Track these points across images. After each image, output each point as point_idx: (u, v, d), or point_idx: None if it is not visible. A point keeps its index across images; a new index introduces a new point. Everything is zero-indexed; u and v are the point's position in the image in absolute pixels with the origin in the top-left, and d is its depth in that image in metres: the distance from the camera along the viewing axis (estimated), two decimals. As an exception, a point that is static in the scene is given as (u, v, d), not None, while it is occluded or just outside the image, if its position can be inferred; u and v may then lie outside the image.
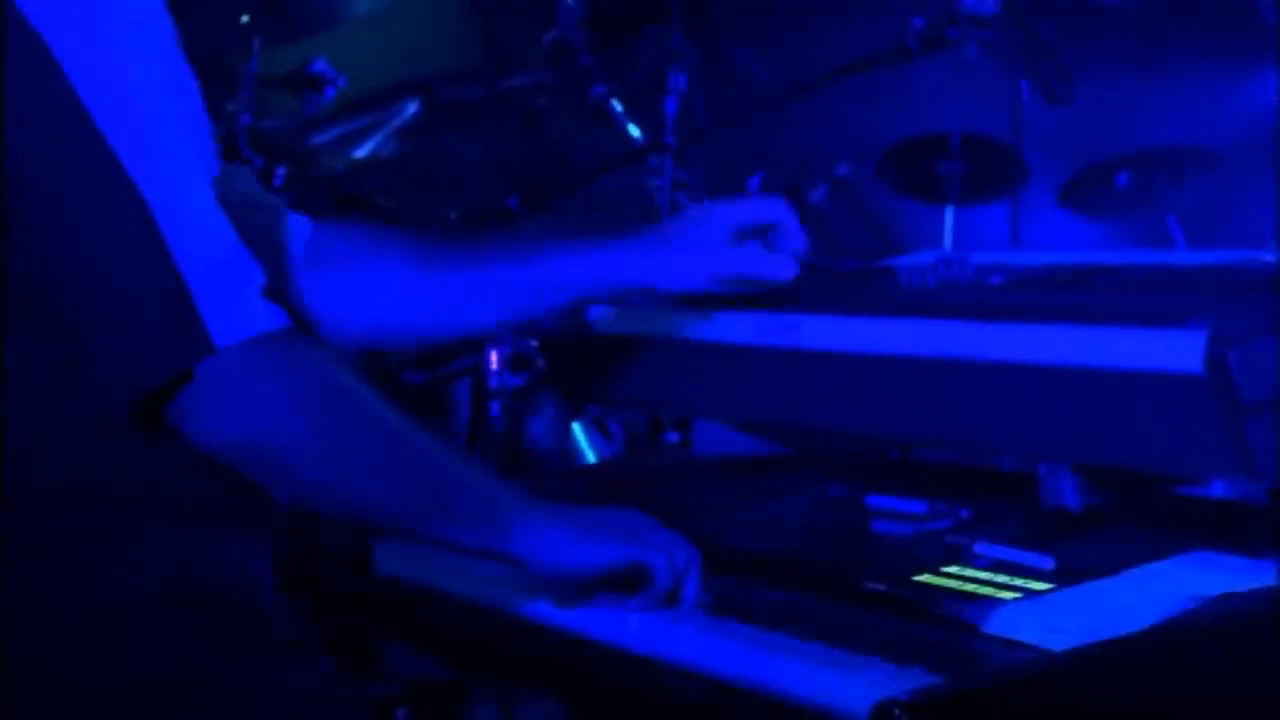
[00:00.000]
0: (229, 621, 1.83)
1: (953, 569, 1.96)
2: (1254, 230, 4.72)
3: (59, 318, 1.72)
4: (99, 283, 1.72)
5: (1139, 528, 2.02)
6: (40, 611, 1.76)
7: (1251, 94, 5.55)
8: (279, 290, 1.78)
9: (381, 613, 2.34)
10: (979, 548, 2.02)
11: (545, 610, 1.99)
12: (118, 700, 1.77)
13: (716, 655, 1.83)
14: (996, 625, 1.79)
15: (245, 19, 3.86)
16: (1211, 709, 1.72)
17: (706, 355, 2.40)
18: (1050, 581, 1.89)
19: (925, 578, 1.95)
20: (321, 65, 4.38)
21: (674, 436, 3.39)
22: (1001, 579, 1.91)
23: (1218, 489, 2.02)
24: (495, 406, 3.40)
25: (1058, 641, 1.72)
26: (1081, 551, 1.95)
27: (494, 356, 3.40)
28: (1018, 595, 1.85)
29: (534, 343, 3.34)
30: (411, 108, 4.10)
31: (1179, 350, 1.79)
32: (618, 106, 3.98)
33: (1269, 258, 2.05)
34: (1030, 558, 1.95)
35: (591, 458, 3.63)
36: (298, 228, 2.27)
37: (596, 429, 3.53)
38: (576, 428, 3.51)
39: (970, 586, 1.90)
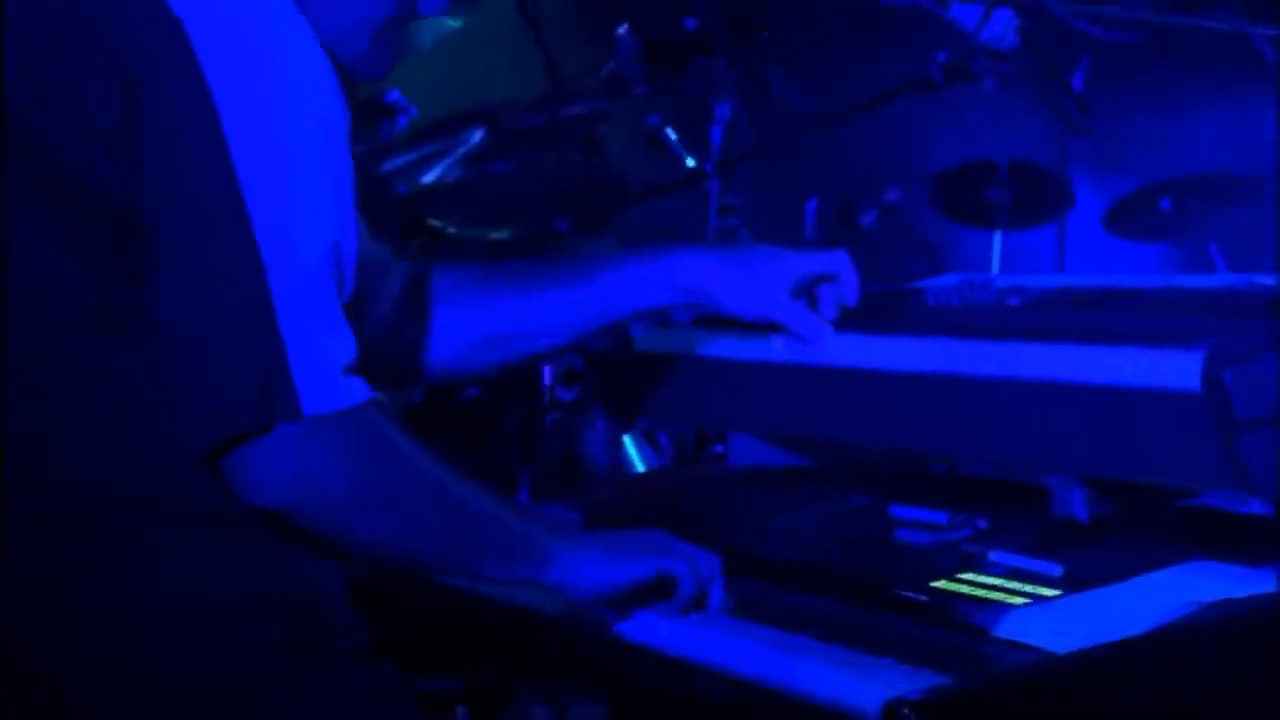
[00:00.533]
0: (301, 628, 1.86)
1: (968, 576, 1.98)
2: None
3: (159, 343, 1.75)
4: (202, 328, 1.74)
5: (1145, 538, 2.02)
6: (133, 615, 1.80)
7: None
8: (379, 337, 1.83)
9: (439, 617, 2.36)
10: (993, 556, 2.03)
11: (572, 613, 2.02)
12: (198, 700, 1.80)
13: (741, 656, 1.86)
14: (1006, 629, 1.81)
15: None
16: (1208, 709, 1.73)
17: (740, 372, 2.42)
18: (1058, 588, 1.90)
19: (942, 584, 1.96)
20: (395, 95, 4.43)
21: (720, 449, 3.41)
22: (1013, 585, 1.93)
23: (1224, 501, 2.03)
24: (549, 420, 3.44)
25: (1063, 645, 1.73)
26: (1089, 560, 1.96)
27: (547, 372, 3.45)
28: (1027, 601, 1.87)
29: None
30: (477, 135, 4.13)
31: (1178, 369, 1.81)
32: (672, 134, 4.02)
33: (1269, 282, 2.06)
34: (1040, 565, 1.97)
35: (641, 469, 3.66)
36: (397, 274, 2.31)
37: (646, 441, 3.56)
38: (627, 440, 3.54)
39: (983, 592, 1.92)
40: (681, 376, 2.52)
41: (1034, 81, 2.25)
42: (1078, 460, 2.02)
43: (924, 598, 1.94)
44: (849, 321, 2.29)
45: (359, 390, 1.80)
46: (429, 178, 4.08)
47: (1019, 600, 1.87)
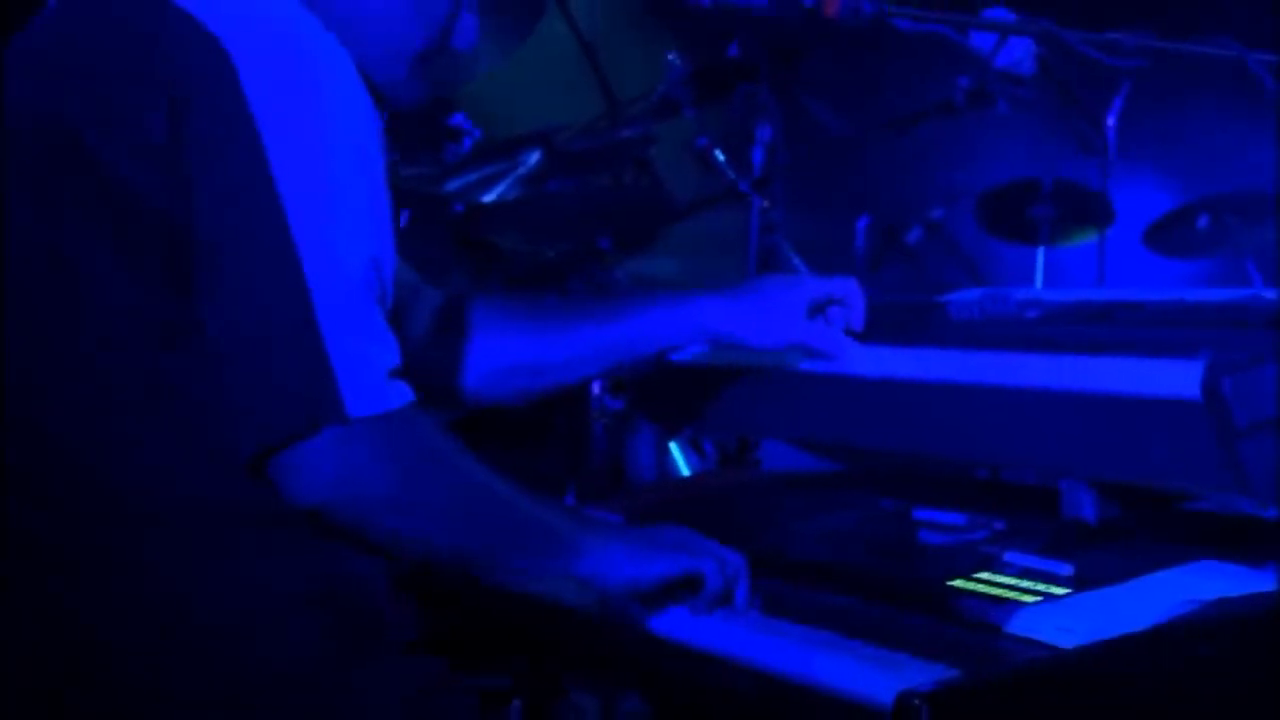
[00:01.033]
0: (352, 624, 1.89)
1: (984, 575, 1.99)
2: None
3: (209, 352, 1.78)
4: (248, 338, 1.77)
5: (1152, 539, 2.03)
6: (190, 614, 1.82)
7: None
8: (409, 359, 1.85)
9: (490, 615, 2.38)
10: (1008, 556, 2.04)
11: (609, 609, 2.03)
12: (258, 692, 1.82)
13: (764, 650, 1.88)
14: (1018, 626, 1.82)
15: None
16: (1209, 702, 1.73)
17: (771, 382, 2.43)
18: (1068, 587, 1.91)
19: (959, 583, 1.97)
20: (460, 118, 4.47)
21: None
22: (1025, 584, 1.93)
23: (1228, 503, 2.03)
24: (597, 428, 3.47)
25: (1071, 641, 1.74)
26: (1098, 560, 1.96)
27: (595, 383, 3.48)
28: (1038, 599, 1.88)
29: (627, 371, 3.40)
30: (534, 157, 4.16)
31: (1180, 378, 1.81)
32: (719, 155, 4.05)
33: (1271, 295, 2.06)
34: (1052, 565, 1.97)
35: (686, 474, 3.68)
36: (429, 299, 2.33)
37: (691, 448, 3.58)
38: (673, 447, 3.56)
39: (997, 591, 1.93)
40: (716, 386, 2.54)
41: (1052, 105, 2.26)
42: (1087, 465, 2.03)
43: (941, 596, 1.95)
44: (876, 333, 2.31)
45: (402, 394, 1.82)
46: (489, 197, 4.11)
47: (1030, 598, 1.88)
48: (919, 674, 1.69)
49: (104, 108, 1.79)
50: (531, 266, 3.57)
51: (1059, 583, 1.93)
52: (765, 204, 3.67)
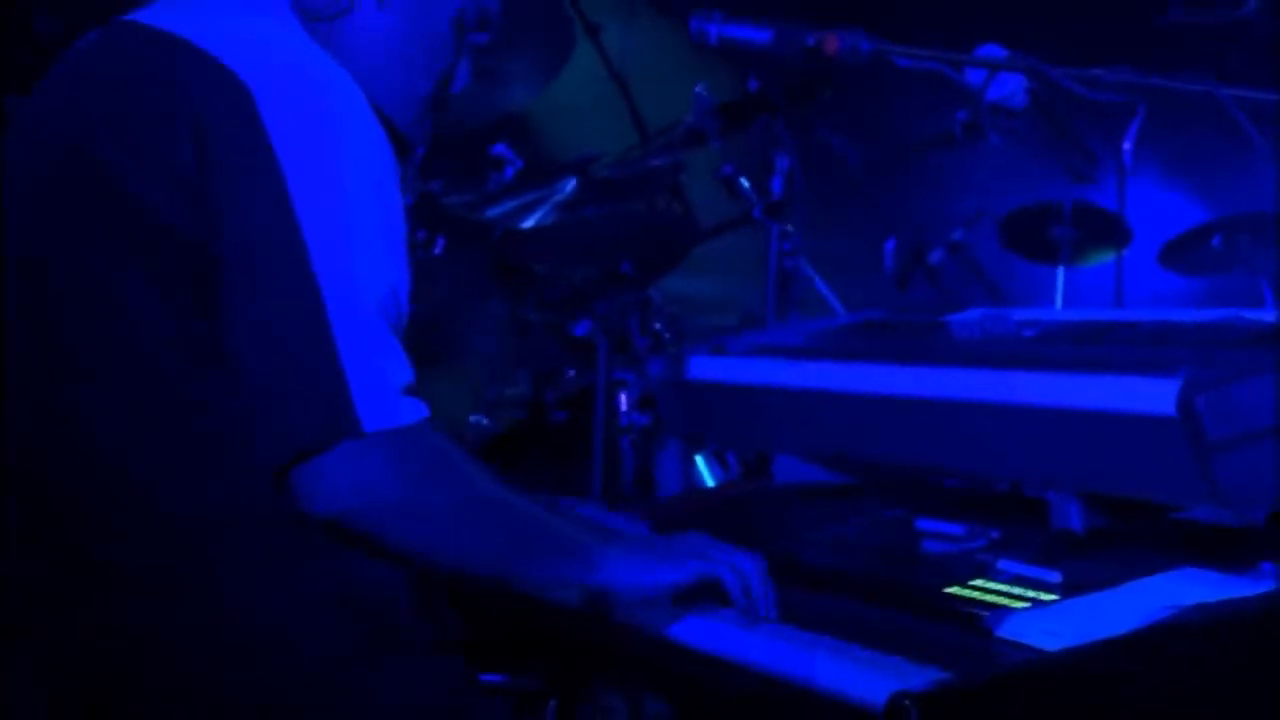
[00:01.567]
0: (376, 626, 1.91)
1: (978, 582, 2.01)
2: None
3: (232, 371, 1.81)
4: (269, 358, 1.80)
5: (1137, 547, 2.04)
6: (227, 620, 1.85)
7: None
8: None
9: (521, 617, 2.40)
10: (1001, 564, 2.05)
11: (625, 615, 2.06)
12: (288, 693, 1.85)
13: (766, 653, 1.89)
14: (1008, 630, 1.83)
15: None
16: (1185, 702, 1.74)
17: (783, 398, 2.45)
18: (1057, 593, 1.93)
19: (954, 589, 1.99)
20: (502, 148, 4.51)
21: (785, 467, 3.44)
22: (1016, 591, 1.95)
23: (1209, 514, 2.04)
24: (626, 442, 3.50)
25: (1057, 644, 1.76)
26: (1086, 568, 1.98)
27: (624, 399, 3.51)
28: (1028, 605, 1.89)
29: (659, 387, 3.42)
30: (570, 185, 4.19)
31: (1158, 395, 1.82)
32: (744, 182, 4.08)
33: (1253, 316, 2.07)
34: (1042, 573, 1.99)
35: (711, 486, 3.70)
36: None
37: (716, 461, 3.60)
38: (699, 460, 3.59)
39: (990, 597, 1.94)
40: (732, 403, 2.56)
41: (1043, 136, 2.28)
42: (1074, 477, 2.04)
43: (937, 601, 1.97)
44: (884, 352, 2.33)
45: (415, 410, 1.84)
46: (528, 223, 4.14)
47: (1020, 604, 1.90)
48: (912, 676, 1.71)
49: (132, 144, 1.82)
50: (563, 290, 3.60)
51: (1048, 589, 1.94)
52: (788, 228, 3.69)
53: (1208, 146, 6.04)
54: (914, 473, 2.42)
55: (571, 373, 4.04)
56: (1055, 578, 1.97)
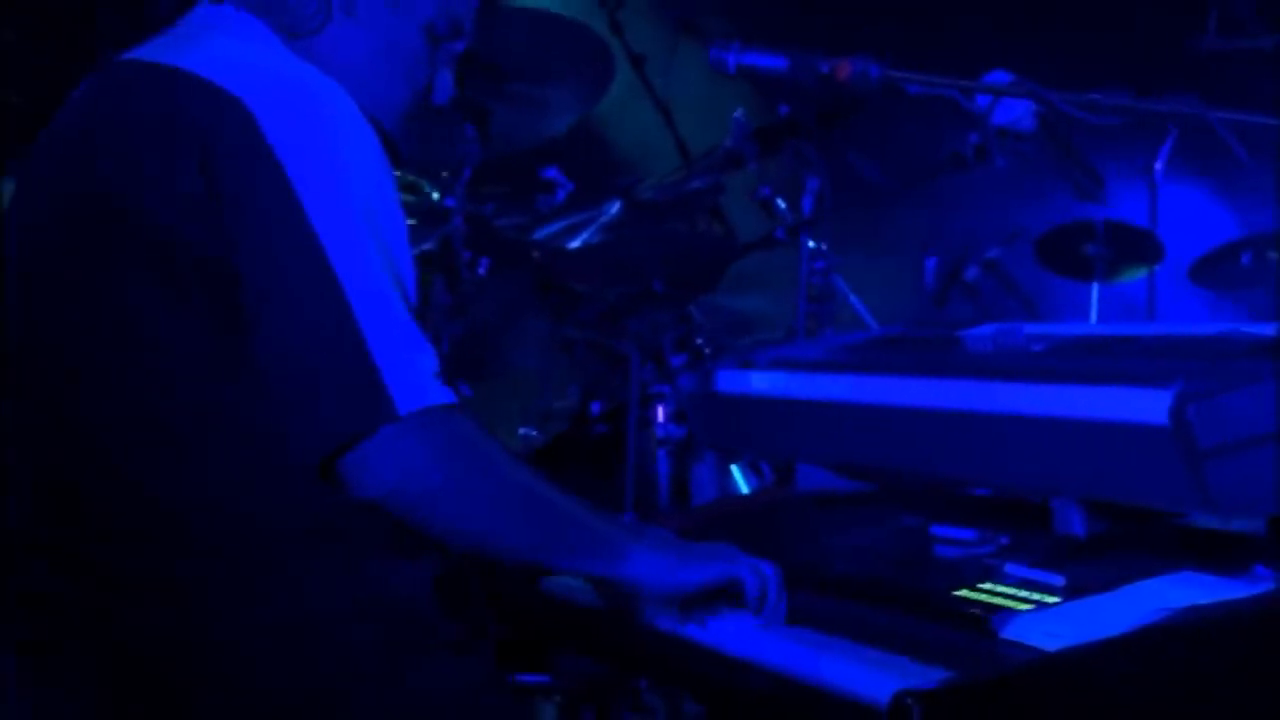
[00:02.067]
0: (404, 627, 1.91)
1: (986, 585, 2.01)
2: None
3: (265, 379, 1.83)
4: (303, 360, 1.82)
5: (1137, 552, 2.04)
6: (258, 626, 1.86)
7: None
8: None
9: (547, 622, 2.42)
10: (1009, 568, 2.06)
11: (651, 615, 2.07)
12: (318, 695, 1.86)
13: (780, 653, 1.91)
14: (1012, 631, 1.84)
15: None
16: (1179, 698, 1.74)
17: (802, 409, 2.46)
18: (1059, 596, 1.93)
19: (963, 592, 2.00)
20: (553, 172, 4.54)
21: (816, 475, 3.44)
22: (1022, 594, 1.95)
23: (1212, 520, 2.04)
24: (662, 453, 3.52)
25: (1058, 644, 1.76)
26: (1088, 571, 1.98)
27: (661, 412, 3.53)
28: (1031, 607, 1.90)
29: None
30: (615, 207, 4.22)
31: (1152, 406, 1.83)
32: (781, 203, 4.10)
33: (1251, 330, 2.07)
34: (1047, 576, 1.99)
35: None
36: None
37: (751, 470, 3.61)
38: (734, 469, 3.60)
39: (997, 600, 1.95)
40: (755, 413, 2.57)
41: (1052, 159, 2.29)
42: (1076, 484, 2.04)
43: (946, 604, 1.98)
44: (897, 364, 2.33)
45: (446, 394, 1.86)
46: (575, 243, 4.17)
47: (1024, 606, 1.90)
48: (918, 676, 1.72)
49: (143, 173, 1.85)
50: (600, 307, 3.63)
51: (1051, 592, 1.95)
52: (821, 246, 3.71)
53: (1235, 165, 6.02)
54: (926, 480, 2.43)
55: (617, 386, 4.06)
56: (1059, 581, 1.97)
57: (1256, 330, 2.10)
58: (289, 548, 1.87)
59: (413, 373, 1.83)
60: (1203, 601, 1.82)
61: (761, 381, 2.54)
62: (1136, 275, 5.90)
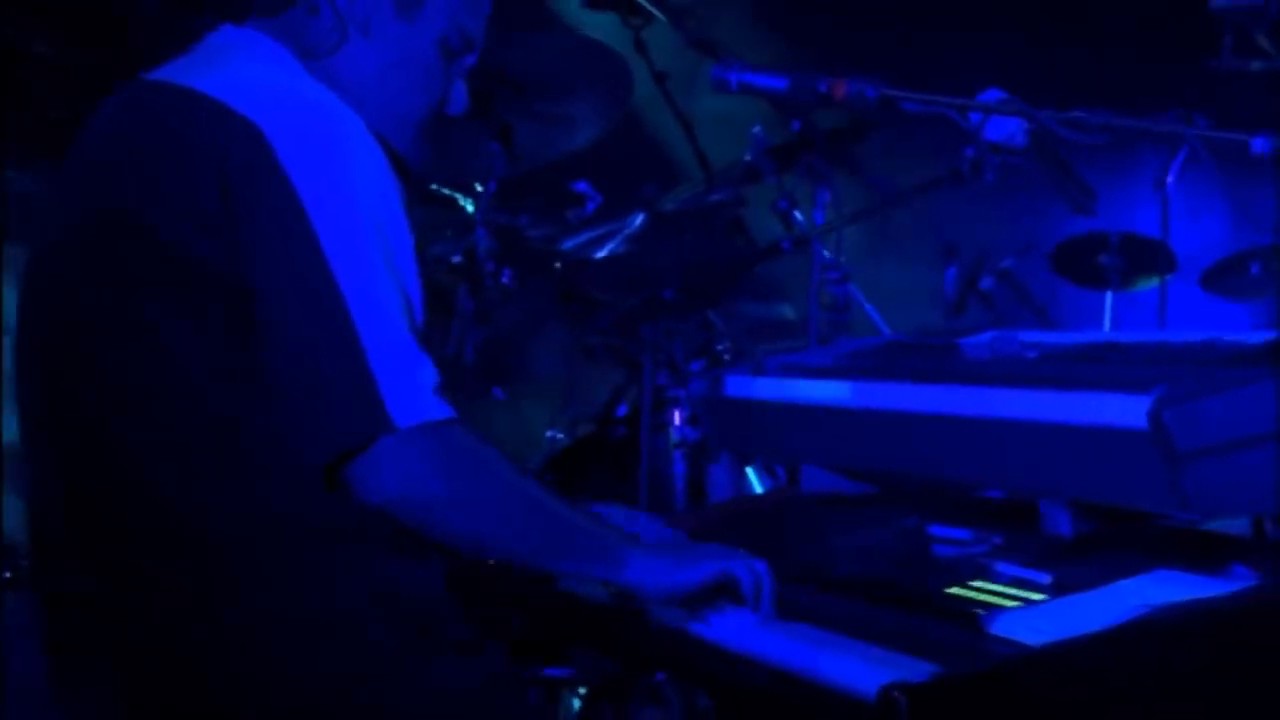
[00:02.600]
0: (414, 626, 1.94)
1: (978, 583, 2.03)
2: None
3: (274, 390, 1.86)
4: (307, 374, 1.85)
5: (1122, 551, 2.05)
6: (275, 625, 1.88)
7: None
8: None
9: (564, 619, 2.44)
10: (1000, 566, 2.08)
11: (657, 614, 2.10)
12: (333, 693, 1.88)
13: (777, 648, 1.93)
14: (1000, 627, 1.86)
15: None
16: (1156, 691, 1.76)
17: (806, 413, 2.49)
18: (1046, 593, 1.95)
19: (956, 590, 2.02)
20: (583, 185, 4.57)
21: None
22: (1011, 591, 1.97)
23: (1188, 519, 2.05)
24: (678, 455, 3.54)
25: (1043, 640, 1.77)
26: (1075, 570, 2.00)
27: (677, 415, 3.55)
28: (1019, 604, 1.92)
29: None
30: (639, 219, 4.23)
31: (1132, 410, 1.85)
32: (799, 215, 4.12)
33: (1231, 338, 2.08)
34: (1035, 574, 2.01)
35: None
36: None
37: (765, 472, 3.63)
38: (749, 472, 3.61)
39: (986, 597, 1.97)
40: (762, 417, 2.60)
41: (1043, 174, 2.31)
42: (1063, 486, 2.06)
43: (940, 602, 2.00)
44: (897, 370, 2.35)
45: (443, 408, 1.88)
46: (600, 254, 4.19)
47: (1012, 603, 1.92)
48: (908, 670, 1.73)
49: (163, 192, 1.88)
50: (615, 315, 3.64)
51: (1038, 590, 1.97)
52: (840, 258, 3.72)
53: (1246, 178, 6.02)
54: (923, 482, 2.45)
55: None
56: (1046, 579, 1.99)
57: (1240, 338, 2.11)
58: (305, 548, 1.90)
59: (411, 387, 1.86)
60: (1181, 599, 1.83)
61: (768, 387, 2.57)
62: (1150, 285, 5.90)
